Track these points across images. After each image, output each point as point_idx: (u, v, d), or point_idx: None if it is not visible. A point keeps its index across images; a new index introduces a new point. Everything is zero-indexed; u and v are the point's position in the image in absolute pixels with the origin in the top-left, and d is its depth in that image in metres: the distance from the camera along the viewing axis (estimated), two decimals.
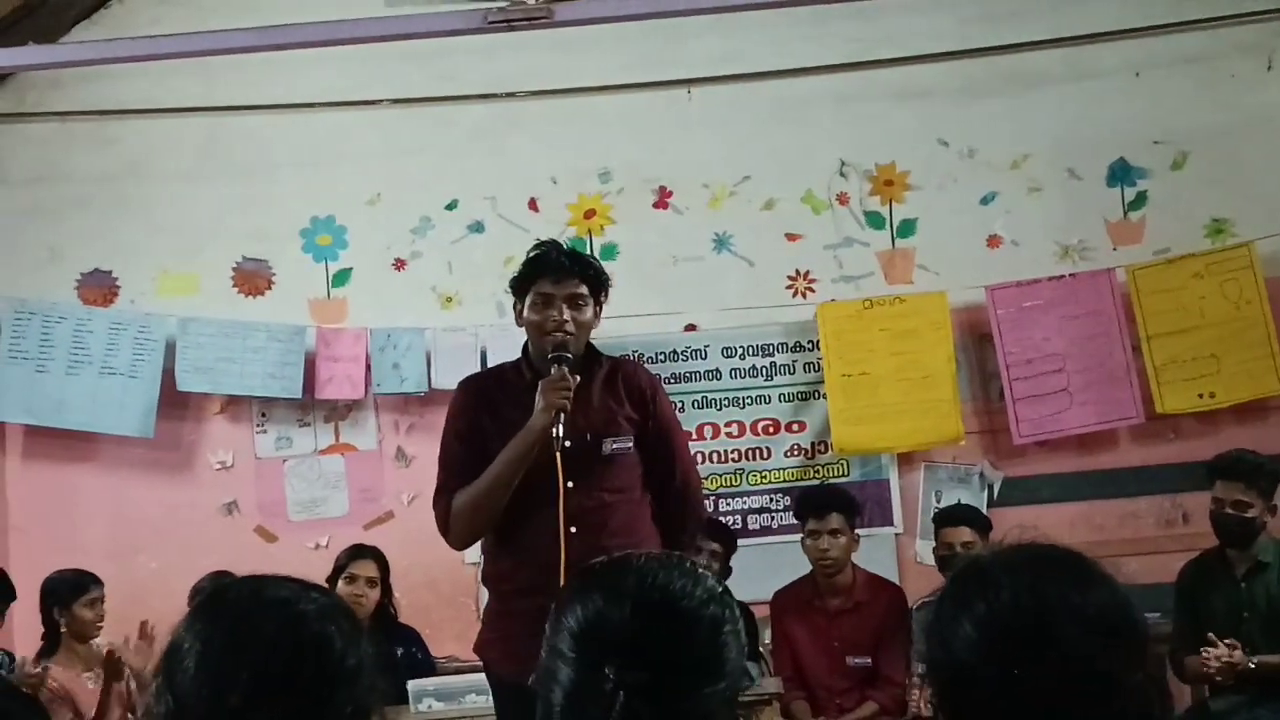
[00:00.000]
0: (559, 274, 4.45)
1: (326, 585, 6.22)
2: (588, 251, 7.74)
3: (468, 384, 4.76)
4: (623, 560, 2.08)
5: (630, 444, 4.50)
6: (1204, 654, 5.95)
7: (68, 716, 6.29)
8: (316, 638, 1.99)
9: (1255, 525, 6.11)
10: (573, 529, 4.30)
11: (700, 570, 2.09)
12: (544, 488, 4.32)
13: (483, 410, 4.55)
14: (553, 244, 4.58)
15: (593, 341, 4.61)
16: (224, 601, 2.03)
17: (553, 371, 4.37)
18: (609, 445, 4.43)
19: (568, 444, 4.34)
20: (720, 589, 2.08)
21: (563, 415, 4.30)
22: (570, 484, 4.36)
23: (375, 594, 6.66)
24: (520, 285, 4.51)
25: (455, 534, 4.60)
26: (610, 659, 1.91)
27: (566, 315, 4.41)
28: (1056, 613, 1.98)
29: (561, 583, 3.78)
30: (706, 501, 7.39)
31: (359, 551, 6.76)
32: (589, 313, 4.48)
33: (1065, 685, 1.94)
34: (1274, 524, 6.25)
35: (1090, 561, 2.09)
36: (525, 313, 4.48)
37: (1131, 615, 2.03)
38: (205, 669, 1.93)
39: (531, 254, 4.55)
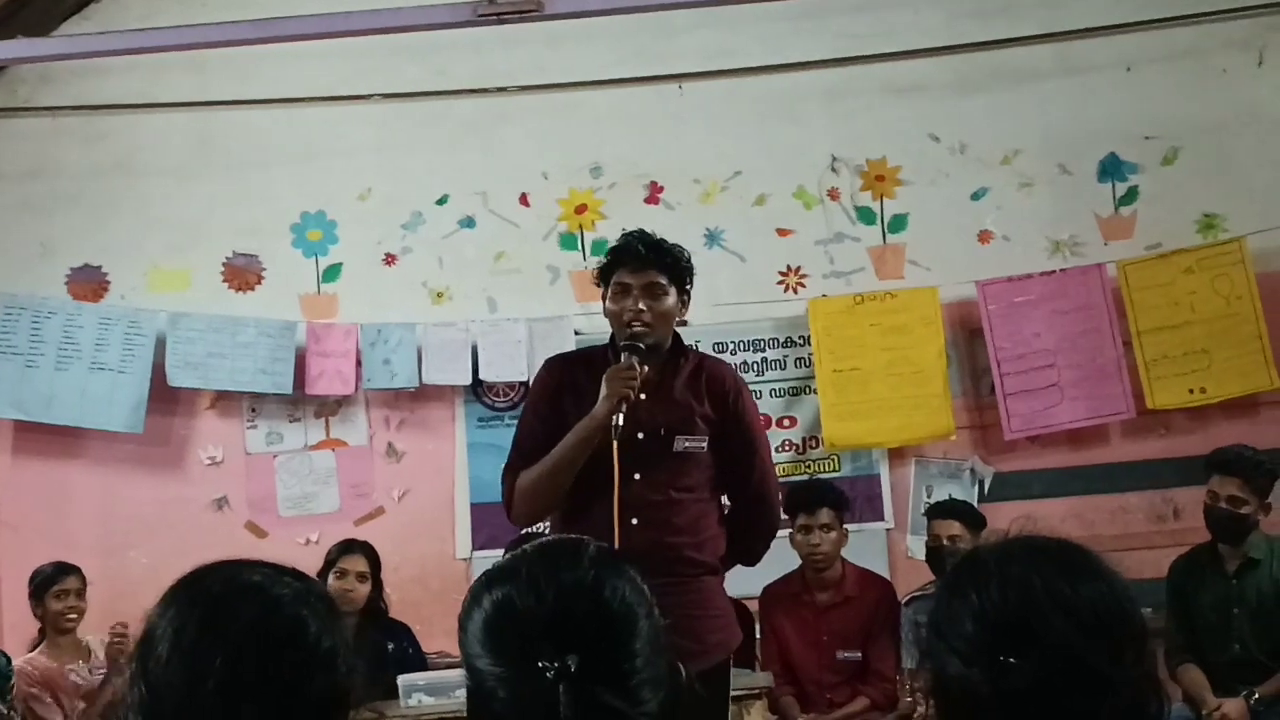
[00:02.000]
0: (637, 263, 4.44)
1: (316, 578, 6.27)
2: (579, 247, 7.77)
3: (552, 364, 4.74)
4: (513, 558, 2.06)
5: (704, 443, 4.47)
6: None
7: (47, 700, 6.31)
8: (291, 622, 1.98)
9: (1248, 522, 6.11)
10: (634, 520, 4.29)
11: (590, 547, 2.06)
12: (609, 476, 4.31)
13: (565, 392, 4.53)
14: (637, 233, 4.56)
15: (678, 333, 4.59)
16: (197, 587, 2.01)
17: (621, 359, 4.37)
18: (681, 443, 4.40)
19: (640, 435, 4.33)
20: (617, 564, 2.05)
21: (624, 405, 4.28)
22: (638, 475, 4.34)
23: (365, 589, 6.65)
24: (604, 274, 4.51)
25: (517, 512, 4.59)
26: (536, 651, 1.89)
27: (643, 305, 4.39)
28: (1044, 605, 1.98)
29: None
30: None
31: (349, 546, 6.75)
32: (668, 302, 4.45)
33: (1053, 679, 1.94)
34: (1266, 521, 6.26)
35: (1087, 554, 2.08)
36: (607, 302, 4.48)
37: (1124, 610, 2.02)
38: (179, 655, 1.92)
39: (616, 242, 4.54)
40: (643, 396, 4.33)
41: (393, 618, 6.86)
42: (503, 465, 4.64)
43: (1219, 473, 6.16)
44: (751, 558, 4.83)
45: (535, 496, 4.48)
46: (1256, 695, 5.97)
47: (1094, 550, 2.11)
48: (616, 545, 4.16)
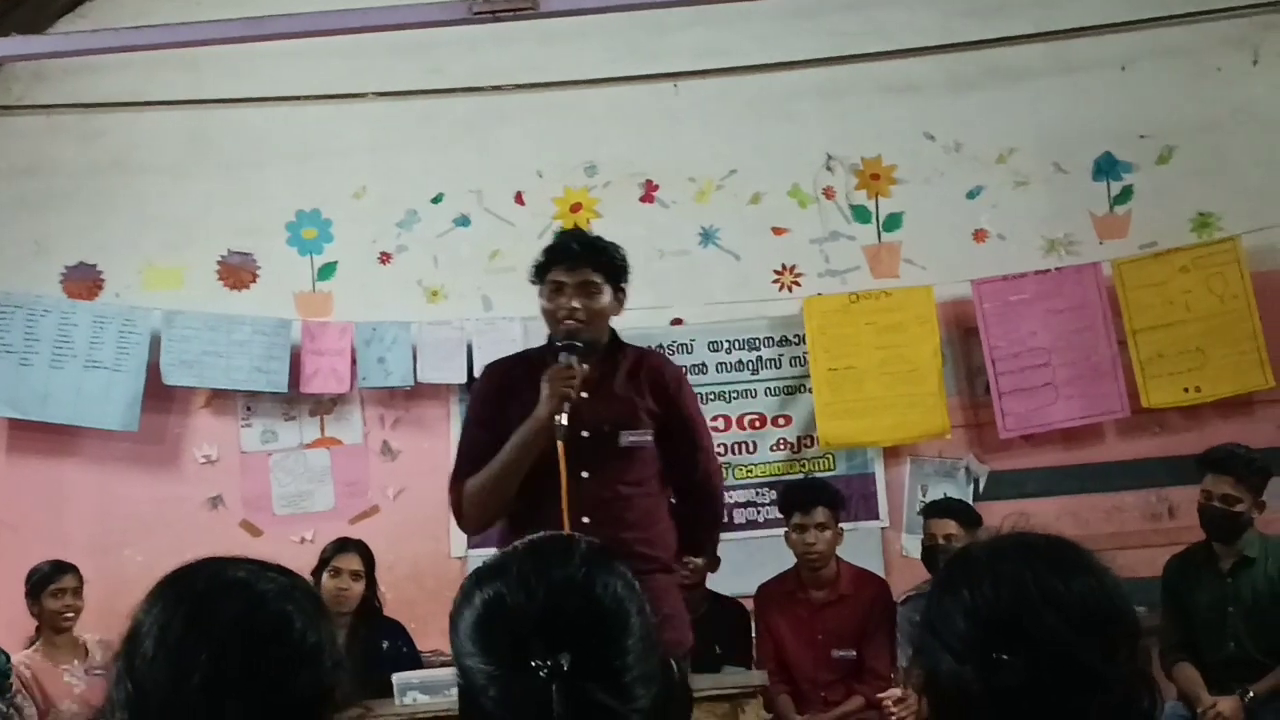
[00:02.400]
0: (571, 261, 4.45)
1: (310, 577, 6.27)
2: None
3: (491, 370, 4.76)
4: (504, 556, 2.05)
5: (649, 437, 4.49)
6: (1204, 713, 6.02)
7: (32, 709, 6.30)
8: (276, 618, 1.98)
9: (1242, 520, 6.10)
10: (585, 519, 4.29)
11: (581, 544, 2.06)
12: (557, 476, 4.31)
13: (506, 396, 4.54)
14: (570, 232, 4.60)
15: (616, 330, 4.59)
16: (182, 584, 2.01)
17: (560, 360, 4.36)
18: (626, 438, 4.41)
19: (585, 434, 4.33)
20: (608, 561, 2.05)
21: (566, 404, 4.28)
22: (585, 474, 4.34)
23: (359, 587, 6.65)
24: (538, 273, 4.51)
25: (467, 519, 4.60)
26: (528, 649, 1.88)
27: (577, 303, 4.39)
28: (1036, 602, 1.98)
29: None
30: None
31: (343, 545, 6.74)
32: (603, 300, 4.46)
33: (1044, 676, 1.94)
34: (1261, 520, 6.26)
35: (1079, 551, 2.08)
36: (542, 301, 4.48)
37: (1116, 607, 2.02)
38: (165, 652, 1.92)
39: (550, 242, 4.54)
40: (584, 395, 4.33)
41: (387, 616, 6.86)
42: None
43: (1212, 471, 6.15)
44: (699, 549, 4.85)
45: (483, 502, 4.49)
46: (1251, 693, 5.97)
47: (1086, 547, 2.11)
48: None
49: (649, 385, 4.54)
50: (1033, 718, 1.96)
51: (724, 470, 7.42)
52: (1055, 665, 1.95)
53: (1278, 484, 7.23)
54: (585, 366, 4.37)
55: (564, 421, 4.28)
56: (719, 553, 6.68)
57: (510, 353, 4.98)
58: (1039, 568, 2.03)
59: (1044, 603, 1.98)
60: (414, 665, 6.45)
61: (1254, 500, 6.12)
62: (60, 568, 6.65)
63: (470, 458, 4.56)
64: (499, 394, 4.59)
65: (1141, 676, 2.04)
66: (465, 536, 7.53)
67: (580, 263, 4.45)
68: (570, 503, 4.29)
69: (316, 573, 6.57)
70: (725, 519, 7.33)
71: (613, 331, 4.57)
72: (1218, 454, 6.23)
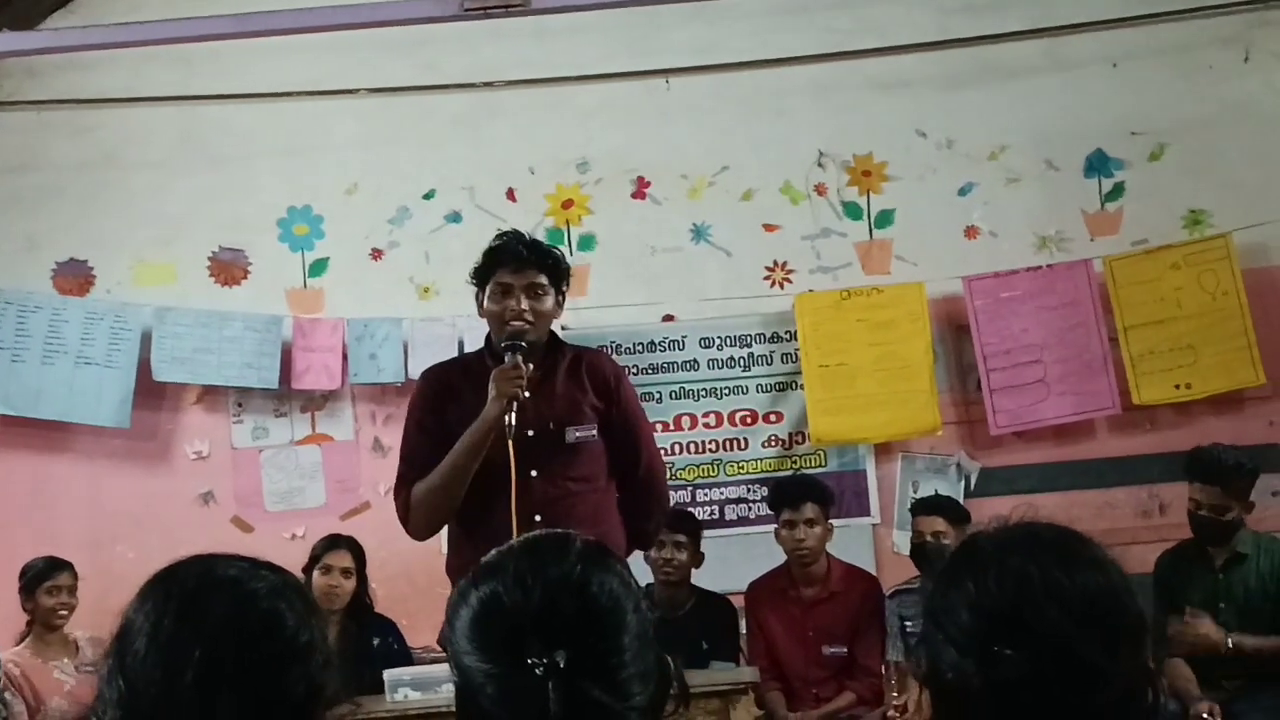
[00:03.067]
0: (518, 264, 4.47)
1: (302, 574, 6.27)
2: (565, 242, 7.77)
3: (429, 375, 4.79)
4: (500, 554, 2.06)
5: (594, 432, 4.51)
6: (1182, 625, 6.00)
7: (21, 706, 6.30)
8: (267, 615, 1.98)
9: (1233, 525, 6.11)
10: (537, 517, 4.30)
11: (577, 541, 2.06)
12: (506, 477, 4.32)
13: (445, 400, 4.57)
14: (513, 234, 4.60)
15: (556, 331, 4.62)
16: (173, 581, 2.01)
17: (506, 360, 4.37)
18: (572, 434, 4.44)
19: (530, 433, 4.34)
20: (604, 559, 2.05)
21: (515, 404, 4.29)
22: (534, 473, 4.37)
23: (350, 584, 6.65)
24: (481, 275, 4.53)
25: (415, 525, 4.62)
26: (524, 648, 1.89)
27: (525, 305, 4.42)
28: (1039, 596, 1.97)
29: None
30: (684, 492, 7.45)
31: (334, 542, 6.74)
32: (549, 302, 4.50)
33: (1045, 671, 1.93)
34: (1252, 518, 6.27)
35: (1087, 544, 2.08)
36: (485, 303, 4.50)
37: (1121, 602, 2.02)
38: (156, 649, 1.92)
39: (491, 244, 4.56)
40: (527, 395, 4.33)
41: (378, 613, 6.86)
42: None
43: (1199, 481, 6.14)
44: (644, 540, 4.89)
45: (432, 506, 4.51)
46: (1232, 644, 5.96)
47: (1094, 539, 2.10)
48: None
49: (590, 381, 4.58)
50: (1034, 712, 1.95)
51: (716, 466, 7.57)
52: (1057, 660, 1.94)
53: (1269, 482, 7.29)
54: (530, 366, 4.38)
55: (513, 421, 4.28)
56: (701, 548, 6.77)
57: (449, 359, 5.02)
58: (1044, 561, 2.02)
59: (1048, 597, 1.97)
60: (405, 662, 6.44)
61: (1242, 504, 6.13)
62: (56, 565, 6.63)
63: (413, 463, 4.59)
64: (438, 398, 4.62)
65: (1145, 672, 2.03)
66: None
67: (527, 265, 4.48)
68: (519, 502, 4.31)
69: (307, 570, 6.57)
70: (711, 515, 7.44)
71: (552, 333, 4.60)
72: (1203, 463, 6.18)
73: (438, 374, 4.76)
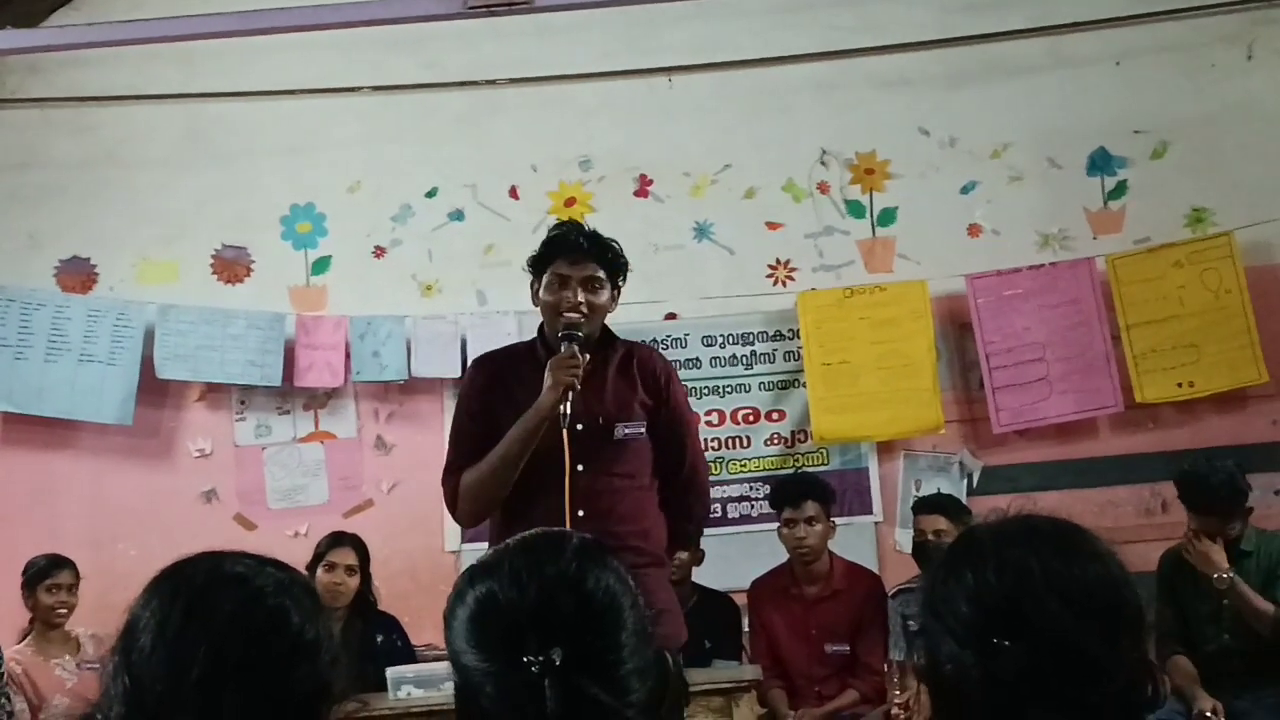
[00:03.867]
0: (576, 255, 4.42)
1: (305, 571, 6.27)
2: None
3: (481, 362, 4.72)
4: (496, 553, 2.06)
5: (642, 429, 4.47)
6: (1187, 547, 6.03)
7: (23, 704, 6.30)
8: (273, 612, 1.99)
9: (1237, 539, 6.11)
10: (580, 512, 4.27)
11: (573, 539, 2.06)
12: (553, 468, 4.29)
13: (496, 389, 4.52)
14: (572, 225, 4.55)
15: (609, 325, 4.59)
16: (180, 578, 2.01)
17: (562, 349, 4.35)
18: (621, 430, 4.39)
19: (579, 426, 4.31)
20: (600, 555, 2.05)
21: (570, 394, 4.27)
22: (580, 467, 4.32)
23: (354, 581, 6.65)
24: (537, 265, 4.48)
25: (462, 512, 4.56)
26: (521, 645, 1.89)
27: (581, 297, 4.38)
28: (1039, 589, 1.97)
29: None
30: None
31: (337, 539, 6.74)
32: (605, 295, 4.45)
33: (1044, 663, 1.93)
34: (1257, 515, 6.27)
35: (1085, 536, 2.08)
36: (541, 293, 4.45)
37: (1121, 594, 2.01)
38: (162, 646, 1.92)
39: (550, 234, 4.51)
40: (578, 388, 4.31)
41: (382, 610, 6.86)
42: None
43: (1197, 513, 6.11)
44: (684, 539, 4.85)
45: (481, 494, 4.47)
46: (1230, 577, 5.96)
47: (1092, 531, 2.09)
48: None
49: (641, 377, 4.53)
50: (1033, 704, 1.95)
51: (718, 465, 7.56)
52: (1057, 652, 1.94)
53: (1272, 480, 7.29)
54: (586, 356, 4.36)
55: (568, 411, 4.27)
56: (703, 546, 6.77)
57: (500, 347, 4.95)
58: (1044, 553, 2.01)
59: (1047, 589, 1.97)
60: (409, 659, 6.44)
61: (1242, 519, 6.13)
62: (57, 563, 6.63)
63: (463, 451, 4.54)
64: (488, 386, 4.57)
65: (1145, 664, 2.03)
66: (460, 530, 7.58)
67: (585, 257, 4.43)
68: (568, 496, 4.29)
69: (311, 567, 6.56)
70: (713, 513, 7.42)
71: (604, 326, 4.57)
72: (1196, 492, 6.11)
73: (489, 362, 4.71)
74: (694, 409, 7.54)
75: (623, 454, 4.44)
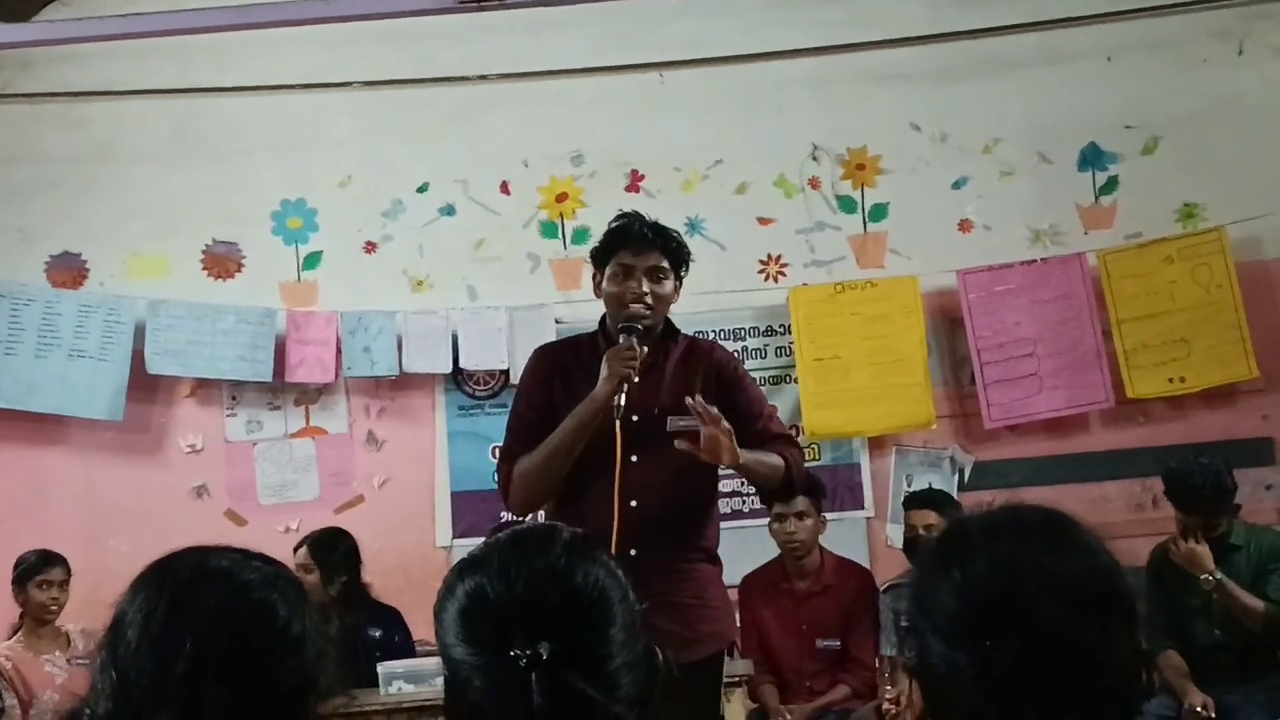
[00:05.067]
0: (640, 245, 4.38)
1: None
2: (559, 235, 7.77)
3: (543, 351, 4.70)
4: (486, 547, 2.06)
5: (696, 424, 4.44)
6: (1173, 546, 6.04)
7: (13, 699, 6.30)
8: (259, 606, 1.99)
9: (1227, 534, 6.12)
10: (633, 503, 4.24)
11: (564, 533, 2.06)
12: (606, 459, 4.26)
13: (555, 378, 4.49)
14: (635, 216, 4.52)
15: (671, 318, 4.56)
16: (166, 573, 2.02)
17: (620, 341, 4.34)
18: (674, 422, 4.35)
19: (635, 418, 4.30)
20: (589, 550, 2.05)
21: (625, 385, 4.25)
22: (634, 458, 4.29)
23: (312, 579, 6.55)
24: (600, 256, 4.44)
25: (515, 499, 4.53)
26: (509, 639, 1.89)
27: (646, 287, 4.35)
28: (1028, 581, 1.94)
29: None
30: None
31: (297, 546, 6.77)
32: (669, 285, 4.42)
33: (1037, 659, 1.92)
34: (1246, 510, 6.29)
35: (1074, 527, 2.05)
36: (605, 284, 4.41)
37: (1112, 585, 1.99)
38: (148, 640, 1.93)
39: (613, 225, 4.48)
40: (636, 379, 4.29)
41: (382, 603, 6.85)
42: (497, 452, 4.61)
43: (1184, 512, 6.13)
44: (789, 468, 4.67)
45: (535, 482, 4.44)
46: (1218, 578, 5.97)
47: (1080, 521, 2.08)
48: (616, 528, 4.16)
49: (701, 371, 4.49)
50: (1026, 701, 1.93)
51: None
52: (1050, 646, 1.92)
53: (1262, 475, 7.31)
54: (644, 349, 4.34)
55: (622, 403, 4.25)
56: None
57: (562, 338, 4.92)
58: (1033, 546, 1.99)
59: (1038, 584, 1.94)
60: (408, 653, 6.43)
61: (1229, 516, 6.14)
62: (48, 559, 6.63)
63: (520, 438, 4.51)
64: (549, 375, 4.54)
65: (1138, 654, 2.02)
66: (450, 526, 7.60)
67: (649, 247, 4.39)
68: (621, 487, 4.27)
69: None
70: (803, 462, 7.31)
71: (667, 319, 4.53)
72: (1182, 493, 6.14)
73: (549, 352, 4.69)
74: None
75: (677, 448, 4.40)
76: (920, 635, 2.04)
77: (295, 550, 6.71)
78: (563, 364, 4.54)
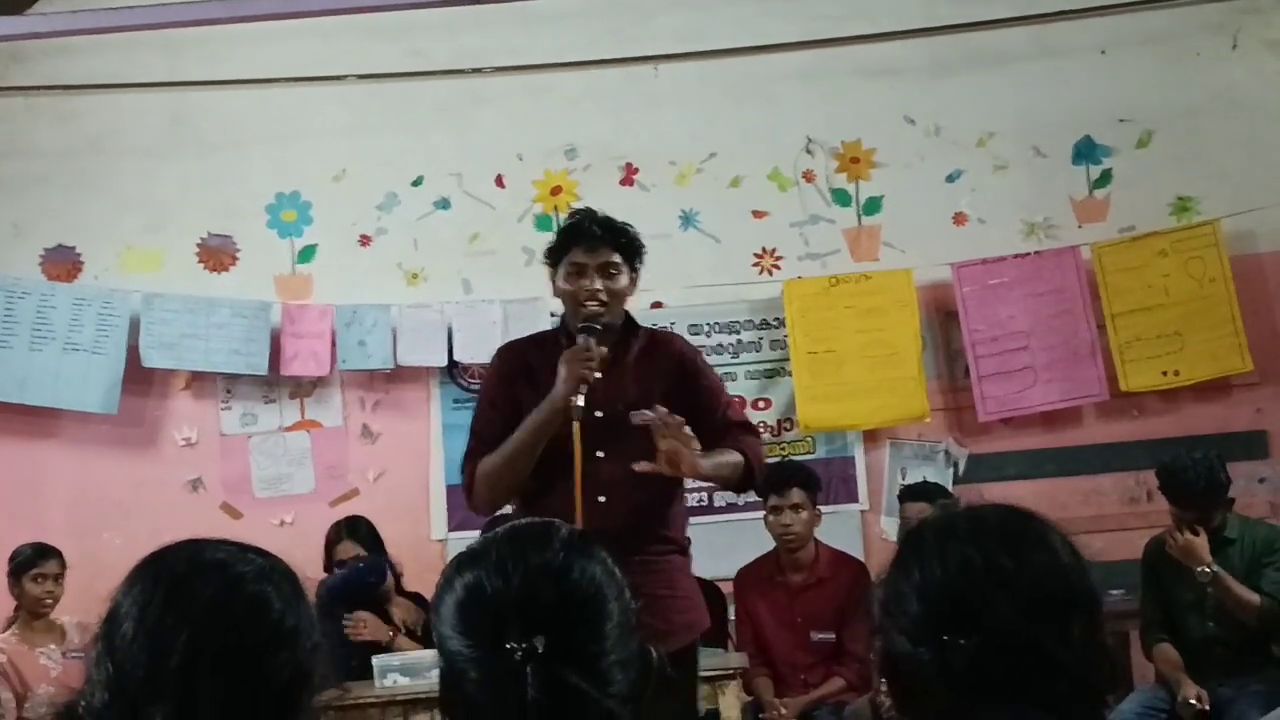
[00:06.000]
0: (592, 243, 4.39)
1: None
2: (553, 229, 7.74)
3: (505, 351, 4.72)
4: (484, 541, 2.07)
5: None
6: (1169, 539, 6.03)
7: (8, 693, 6.30)
8: (253, 599, 1.99)
9: (1221, 528, 6.13)
10: (601, 499, 4.26)
11: (562, 530, 2.08)
12: (571, 458, 4.27)
13: (518, 377, 4.51)
14: (587, 213, 4.54)
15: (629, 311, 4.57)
16: (161, 565, 2.02)
17: (579, 342, 4.36)
18: (636, 416, 4.37)
19: (599, 414, 4.31)
20: (587, 547, 2.06)
21: (584, 386, 4.26)
22: (601, 454, 4.31)
23: None
24: (554, 255, 4.47)
25: (478, 499, 4.56)
26: (505, 633, 1.90)
27: (599, 284, 4.37)
28: (983, 582, 1.97)
29: None
30: None
31: (336, 532, 6.74)
32: (623, 281, 4.43)
33: (996, 657, 1.94)
34: (1241, 504, 6.29)
35: (1035, 525, 2.06)
36: (560, 282, 4.44)
37: (1070, 582, 2.00)
38: (143, 633, 1.93)
39: (565, 223, 4.53)
40: (598, 375, 4.31)
41: (410, 591, 6.81)
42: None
43: (1178, 506, 6.14)
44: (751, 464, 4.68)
45: (497, 482, 4.47)
46: (1213, 570, 5.97)
47: (1043, 518, 2.09)
48: (580, 525, 4.16)
49: (661, 365, 4.51)
50: (985, 698, 1.95)
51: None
52: (1005, 644, 1.94)
53: (1255, 469, 7.31)
54: (604, 349, 4.36)
55: (580, 403, 4.26)
56: (687, 535, 6.76)
57: (526, 335, 4.94)
58: (988, 545, 2.01)
59: (991, 582, 1.97)
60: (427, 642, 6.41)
61: (1223, 510, 6.14)
62: (44, 552, 6.61)
63: (483, 437, 4.53)
64: (512, 375, 4.57)
65: (1101, 653, 2.02)
66: (445, 519, 7.60)
67: (601, 244, 4.40)
68: (585, 483, 4.27)
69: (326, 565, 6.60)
70: (698, 502, 7.43)
71: (626, 313, 4.55)
72: (1177, 488, 6.11)
73: (513, 350, 4.70)
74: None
75: (643, 441, 4.42)
76: (886, 635, 2.07)
77: (337, 541, 6.69)
78: (526, 361, 4.56)
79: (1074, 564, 2.04)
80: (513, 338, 5.15)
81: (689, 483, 7.42)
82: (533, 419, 4.36)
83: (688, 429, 4.20)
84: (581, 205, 7.69)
